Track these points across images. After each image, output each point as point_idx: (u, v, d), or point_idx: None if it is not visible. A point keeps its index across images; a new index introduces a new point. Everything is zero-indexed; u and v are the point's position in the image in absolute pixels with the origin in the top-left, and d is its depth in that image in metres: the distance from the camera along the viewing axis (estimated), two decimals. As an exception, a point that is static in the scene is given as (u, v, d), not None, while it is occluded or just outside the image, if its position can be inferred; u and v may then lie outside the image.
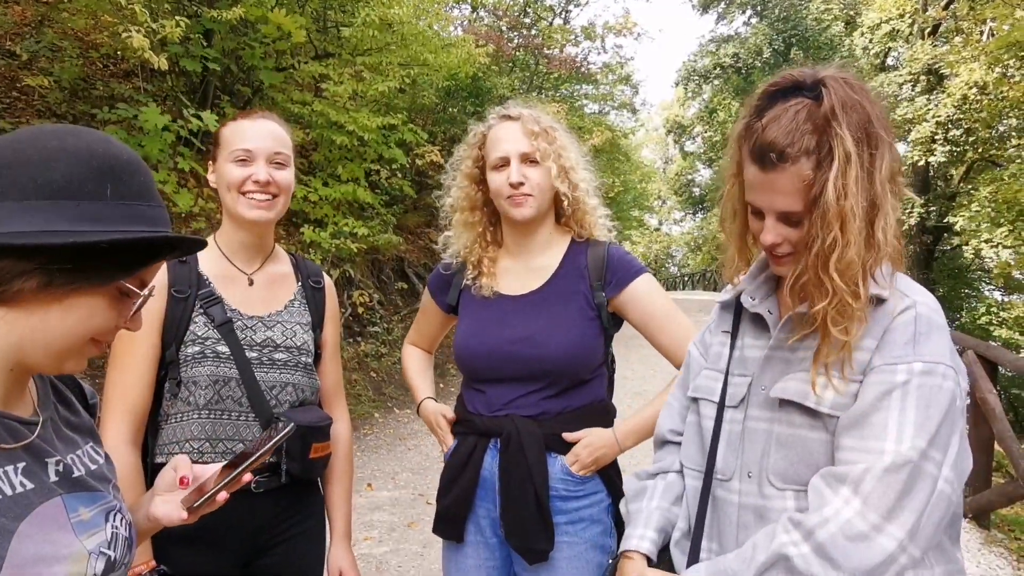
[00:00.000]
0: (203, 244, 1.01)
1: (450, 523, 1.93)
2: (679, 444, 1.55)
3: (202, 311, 1.71)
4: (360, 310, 9.04)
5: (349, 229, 8.07)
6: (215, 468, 1.19)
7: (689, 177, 44.17)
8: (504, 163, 1.88)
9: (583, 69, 18.41)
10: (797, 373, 1.27)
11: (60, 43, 6.89)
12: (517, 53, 16.24)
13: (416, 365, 2.26)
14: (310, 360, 1.83)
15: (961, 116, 16.35)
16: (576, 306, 1.89)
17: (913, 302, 1.22)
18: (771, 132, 1.17)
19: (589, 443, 1.85)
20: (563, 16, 19.89)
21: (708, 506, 1.36)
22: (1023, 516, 5.73)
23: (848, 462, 1.17)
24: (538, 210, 1.89)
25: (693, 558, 1.35)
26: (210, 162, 1.83)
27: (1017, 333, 14.32)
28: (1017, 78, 14.16)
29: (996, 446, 5.52)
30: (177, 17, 6.08)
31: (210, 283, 1.75)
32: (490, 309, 1.95)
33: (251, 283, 1.82)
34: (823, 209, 1.15)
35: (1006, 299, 17.28)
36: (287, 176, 1.79)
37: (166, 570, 1.58)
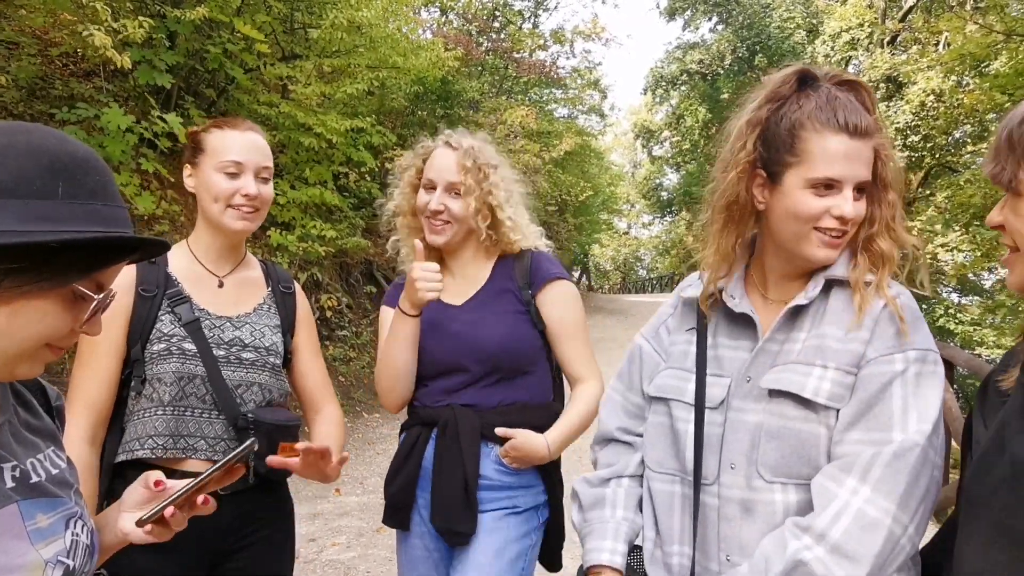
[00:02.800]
0: (166, 247, 0.98)
1: (395, 512, 2.01)
2: (629, 444, 1.53)
3: (169, 310, 1.73)
4: (328, 314, 8.97)
5: (317, 232, 8.01)
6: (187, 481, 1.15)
7: (657, 181, 44.55)
8: (432, 186, 2.00)
9: (552, 73, 18.51)
10: (789, 365, 1.27)
11: (16, 40, 6.74)
12: (486, 57, 16.26)
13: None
14: (278, 362, 1.84)
15: (919, 122, 16.78)
16: (506, 302, 2.00)
17: (897, 293, 1.27)
18: (848, 104, 1.25)
19: (517, 446, 1.89)
20: (532, 21, 20.00)
21: (699, 512, 1.32)
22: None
23: (853, 454, 1.19)
24: (453, 237, 2.01)
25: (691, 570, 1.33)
26: (187, 165, 1.82)
27: (971, 329, 14.66)
28: (971, 87, 14.55)
29: (953, 443, 5.66)
30: (140, 18, 5.98)
31: (178, 283, 1.77)
32: (432, 316, 2.01)
33: (221, 285, 1.83)
34: (885, 179, 1.27)
35: (961, 300, 17.72)
36: (270, 190, 1.84)
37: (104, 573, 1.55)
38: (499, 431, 1.90)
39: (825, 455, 1.24)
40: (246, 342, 1.78)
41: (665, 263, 47.20)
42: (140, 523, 1.09)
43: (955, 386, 6.37)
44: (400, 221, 2.14)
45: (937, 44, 17.97)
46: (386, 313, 2.13)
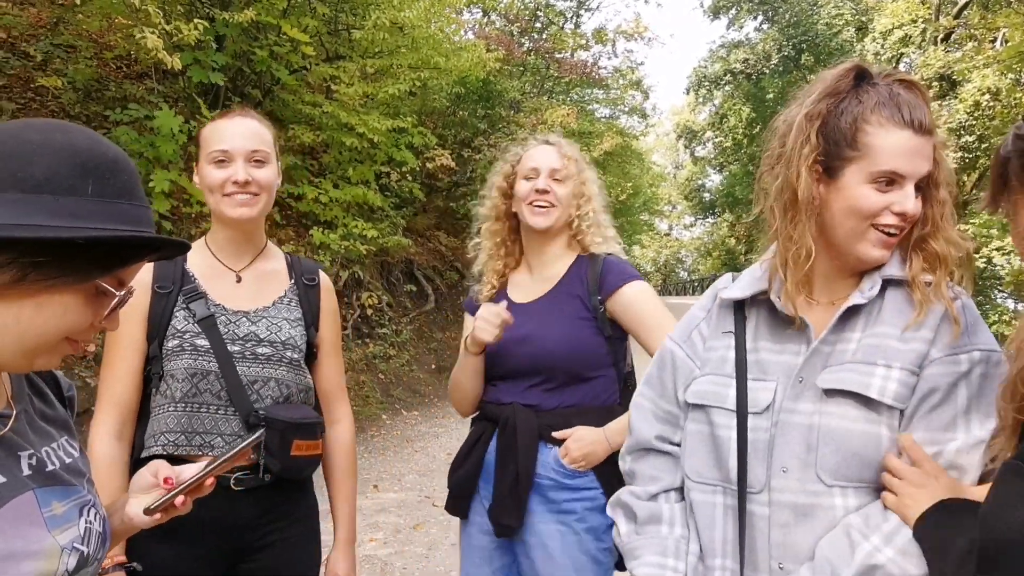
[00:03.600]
0: (186, 247, 1.00)
1: (455, 501, 2.08)
2: (670, 455, 1.47)
3: (184, 306, 1.72)
4: (369, 311, 9.07)
5: (359, 231, 8.11)
6: (196, 468, 1.18)
7: (699, 182, 44.11)
8: (534, 174, 2.06)
9: (594, 74, 18.44)
10: (847, 364, 1.24)
11: (75, 44, 6.96)
12: (528, 57, 16.28)
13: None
14: (298, 356, 1.80)
15: (973, 122, 16.29)
16: (572, 308, 2.02)
17: (957, 293, 1.25)
18: (912, 99, 1.24)
19: (579, 438, 1.92)
20: (574, 20, 19.93)
21: (746, 523, 1.28)
22: None
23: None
24: (556, 221, 2.05)
25: None
26: (194, 164, 1.83)
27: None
28: (1031, 85, 14.09)
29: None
30: (196, 20, 6.13)
31: (195, 279, 1.76)
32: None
33: (239, 280, 1.81)
34: (938, 179, 1.25)
35: (1018, 307, 17.15)
36: (267, 174, 1.77)
37: (136, 567, 1.56)
38: (556, 434, 1.93)
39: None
40: (262, 337, 1.75)
41: (707, 265, 46.68)
42: (148, 511, 1.12)
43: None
44: (485, 227, 2.20)
45: (994, 41, 17.41)
46: (468, 320, 2.20)
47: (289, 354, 1.77)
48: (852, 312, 1.27)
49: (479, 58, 10.29)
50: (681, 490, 1.44)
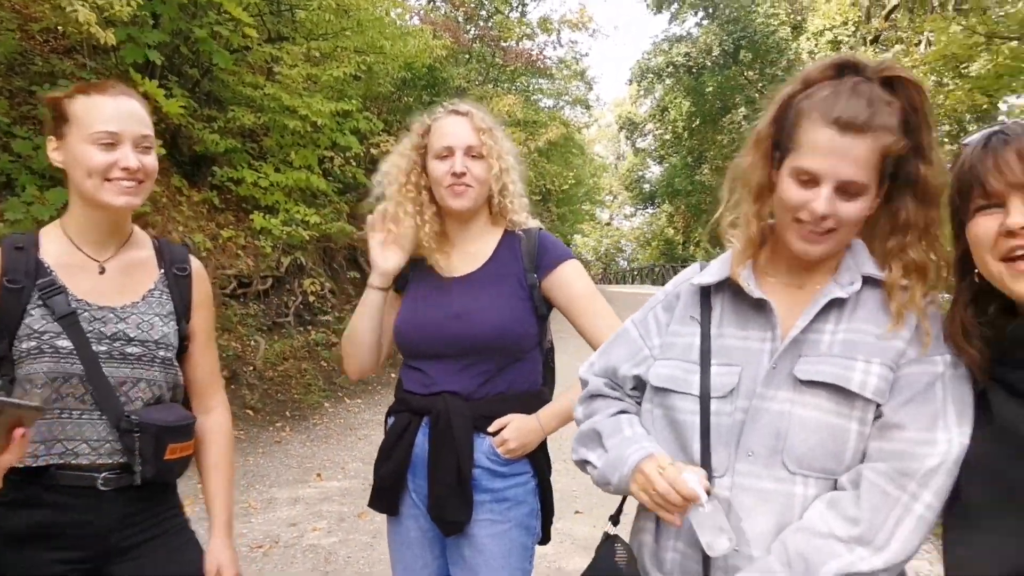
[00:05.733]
0: None
1: (384, 497, 2.01)
2: (619, 399, 1.52)
3: (40, 303, 1.56)
4: (311, 298, 8.93)
5: (301, 216, 7.95)
6: None
7: (640, 173, 44.68)
8: (449, 153, 1.95)
9: (539, 63, 18.46)
10: (824, 357, 1.25)
11: (-3, 15, 6.60)
12: (474, 44, 16.19)
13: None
14: (170, 355, 1.69)
15: (900, 122, 16.91)
16: (508, 286, 1.97)
17: (933, 299, 1.28)
18: (852, 99, 1.20)
19: (516, 428, 1.91)
20: (520, 9, 19.89)
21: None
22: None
23: (898, 452, 1.20)
24: (476, 202, 1.97)
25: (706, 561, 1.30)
26: (50, 137, 1.63)
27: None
28: (951, 87, 14.71)
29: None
30: (125, -8, 5.88)
31: (52, 272, 1.60)
32: (429, 290, 2.01)
33: (102, 271, 1.66)
34: (917, 183, 1.23)
35: (945, 297, 17.96)
36: (153, 161, 1.65)
37: None
38: (492, 427, 1.91)
39: (852, 451, 1.23)
40: (131, 336, 1.63)
41: (646, 254, 47.42)
42: None
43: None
44: (391, 191, 2.03)
45: (919, 44, 18.14)
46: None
47: (162, 353, 1.66)
48: (830, 304, 1.30)
49: (426, 44, 10.19)
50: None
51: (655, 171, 42.94)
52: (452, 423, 1.88)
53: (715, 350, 1.35)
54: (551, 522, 2.08)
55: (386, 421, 2.10)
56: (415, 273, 2.07)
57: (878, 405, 1.23)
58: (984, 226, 1.16)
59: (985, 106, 11.19)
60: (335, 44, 8.60)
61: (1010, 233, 1.11)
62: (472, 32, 16.70)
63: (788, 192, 1.25)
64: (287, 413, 7.43)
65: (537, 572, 2.07)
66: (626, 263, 53.91)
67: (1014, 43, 8.23)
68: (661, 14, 30.23)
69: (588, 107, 25.29)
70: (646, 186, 44.02)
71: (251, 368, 7.45)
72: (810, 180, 1.22)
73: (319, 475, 5.78)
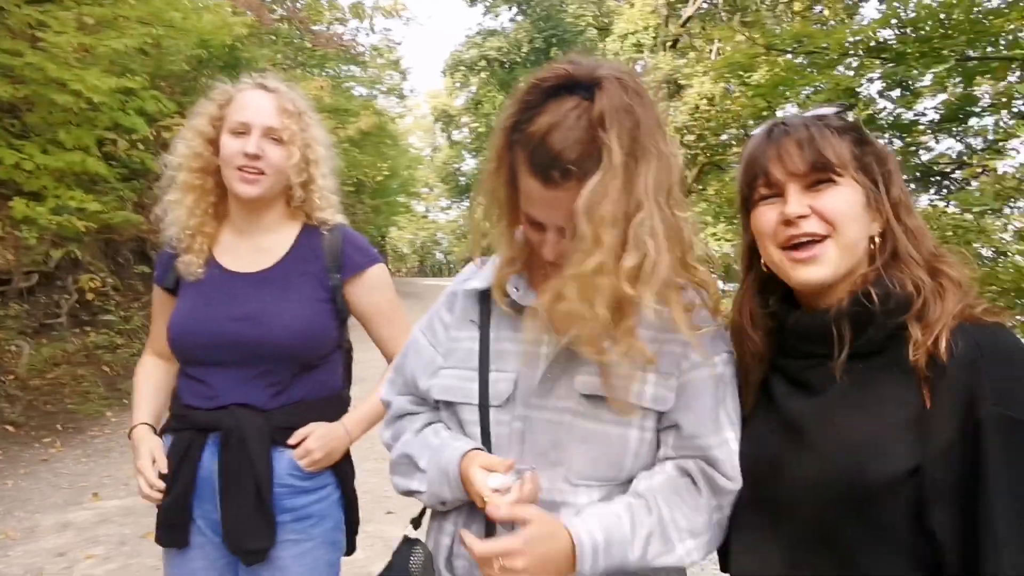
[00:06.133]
0: None
1: (170, 530, 1.75)
2: (424, 413, 1.43)
3: None
4: (90, 296, 7.98)
5: (76, 204, 7.03)
6: None
7: (456, 166, 44.97)
8: (245, 130, 1.72)
9: (351, 50, 17.91)
10: (599, 368, 1.19)
11: None
12: (280, 25, 15.34)
13: (145, 378, 1.95)
14: None
15: (694, 123, 18.36)
16: (308, 287, 1.79)
17: (704, 300, 1.27)
18: (555, 143, 1.06)
19: (319, 436, 1.75)
20: (330, -9, 19.13)
21: (488, 519, 1.21)
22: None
23: (695, 447, 1.21)
24: (267, 191, 1.76)
25: None
26: None
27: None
28: (737, 94, 16.15)
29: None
30: None
31: None
32: (211, 287, 1.78)
33: None
34: (583, 221, 1.06)
35: (726, 287, 19.81)
36: None
37: None
38: (293, 438, 1.73)
39: (633, 457, 1.23)
40: None
41: (462, 247, 47.85)
42: None
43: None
44: (181, 178, 1.80)
45: (711, 52, 19.75)
46: (157, 294, 1.89)
47: None
48: None
49: (224, 21, 9.44)
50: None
51: (471, 164, 43.42)
52: (247, 440, 1.66)
53: (493, 355, 1.28)
54: (356, 532, 1.93)
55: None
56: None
57: (659, 413, 1.22)
58: (766, 215, 1.17)
59: (765, 112, 12.36)
60: (113, 12, 7.68)
61: (788, 222, 1.13)
62: (278, 12, 15.81)
63: (529, 232, 1.20)
64: (58, 426, 6.58)
65: (344, 581, 1.91)
66: (443, 256, 54.17)
67: (788, 56, 9.11)
68: (475, 7, 30.53)
69: (402, 97, 25.09)
70: (461, 179, 44.40)
71: (11, 377, 6.51)
72: (535, 223, 1.18)
73: (96, 495, 5.15)
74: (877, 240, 1.16)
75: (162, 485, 1.72)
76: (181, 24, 8.49)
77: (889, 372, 1.08)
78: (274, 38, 15.20)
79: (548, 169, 1.07)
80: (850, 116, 1.22)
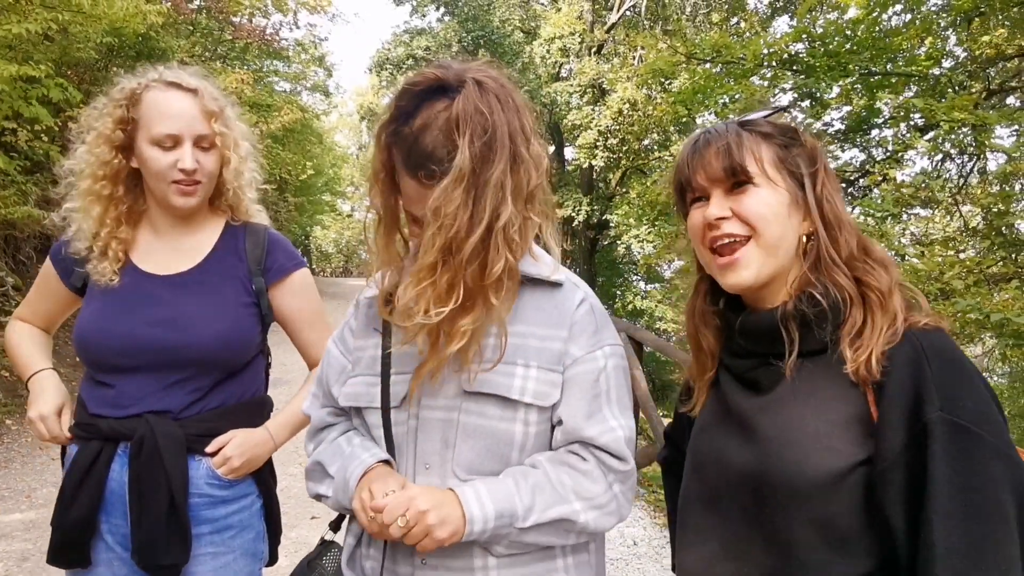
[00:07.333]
0: None
1: (70, 549, 1.65)
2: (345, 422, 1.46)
3: None
4: (-13, 296, 7.53)
5: (-30, 198, 6.64)
6: None
7: (382, 165, 44.37)
8: (174, 143, 1.64)
9: (274, 44, 17.45)
10: (489, 363, 1.24)
11: None
12: (198, 16, 14.81)
13: (26, 335, 1.86)
14: None
15: (617, 127, 18.67)
16: (232, 291, 1.74)
17: (585, 295, 1.32)
18: (427, 143, 1.14)
19: (240, 443, 1.69)
20: (252, -17, 18.58)
21: None
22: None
23: (579, 439, 1.26)
24: (203, 199, 1.74)
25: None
26: None
27: (657, 315, 16.76)
28: (659, 100, 16.53)
29: (640, 413, 6.38)
30: None
31: None
32: (126, 288, 1.70)
33: None
34: (429, 221, 1.14)
35: (648, 287, 20.22)
36: None
37: None
38: (211, 447, 1.66)
39: (519, 450, 1.26)
40: None
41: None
42: None
43: (643, 363, 7.19)
44: (85, 186, 1.70)
45: (635, 58, 20.14)
46: (49, 276, 1.77)
47: None
48: None
49: (137, 8, 9.03)
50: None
51: (397, 163, 42.91)
52: (160, 448, 1.58)
53: (395, 359, 1.31)
54: (279, 541, 1.89)
55: (63, 452, 1.74)
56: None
57: (538, 407, 1.26)
58: (695, 218, 1.22)
59: (685, 119, 12.70)
60: (14, -6, 7.27)
61: (710, 224, 1.18)
62: (197, 3, 15.26)
63: (412, 229, 1.27)
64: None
65: (265, 588, 1.87)
66: (368, 256, 53.31)
67: (707, 65, 9.41)
68: (403, 6, 30.23)
69: (328, 94, 24.53)
70: (388, 178, 43.84)
71: (-102, 383, 6.08)
72: (417, 221, 1.24)
73: (-6, 507, 4.87)
74: (804, 240, 1.18)
75: (68, 435, 1.66)
76: (90, 10, 8.09)
77: (837, 368, 1.09)
78: (192, 28, 14.69)
79: (420, 168, 1.15)
80: (787, 117, 1.27)
